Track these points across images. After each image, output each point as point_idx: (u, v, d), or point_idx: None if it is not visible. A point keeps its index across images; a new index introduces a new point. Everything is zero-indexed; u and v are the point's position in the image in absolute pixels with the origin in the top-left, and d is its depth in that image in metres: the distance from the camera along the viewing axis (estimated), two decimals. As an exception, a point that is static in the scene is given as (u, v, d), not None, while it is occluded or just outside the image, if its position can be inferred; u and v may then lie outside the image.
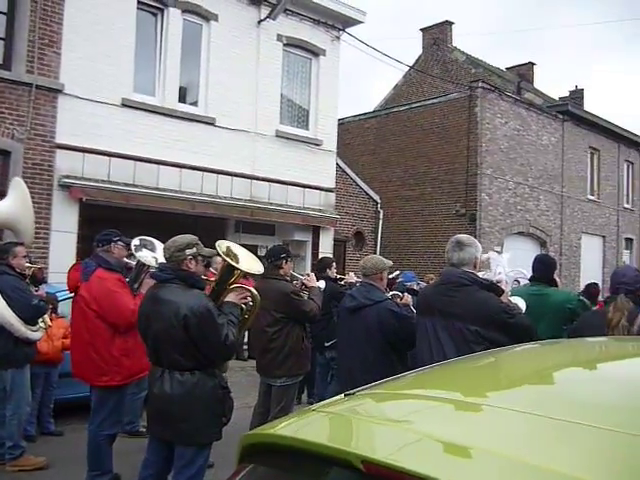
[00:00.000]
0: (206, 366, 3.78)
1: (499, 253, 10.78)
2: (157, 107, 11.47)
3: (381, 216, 17.14)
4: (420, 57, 22.62)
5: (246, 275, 4.43)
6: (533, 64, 25.95)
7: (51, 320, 6.11)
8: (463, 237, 4.17)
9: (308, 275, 6.24)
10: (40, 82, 10.05)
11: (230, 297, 3.95)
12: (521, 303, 4.85)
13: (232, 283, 4.02)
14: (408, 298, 5.77)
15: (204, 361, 3.77)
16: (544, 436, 1.33)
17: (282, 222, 13.50)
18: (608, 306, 3.80)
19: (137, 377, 5.09)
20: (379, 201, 17.27)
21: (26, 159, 9.96)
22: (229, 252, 4.03)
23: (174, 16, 11.70)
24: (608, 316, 3.70)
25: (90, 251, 5.40)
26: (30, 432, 6.12)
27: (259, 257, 5.71)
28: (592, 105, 49.06)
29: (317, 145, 13.94)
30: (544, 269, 5.67)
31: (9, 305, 5.28)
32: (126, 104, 11.01)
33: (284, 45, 13.41)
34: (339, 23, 14.30)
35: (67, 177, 10.29)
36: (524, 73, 25.08)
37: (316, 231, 14.15)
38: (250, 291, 4.11)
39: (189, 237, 4.03)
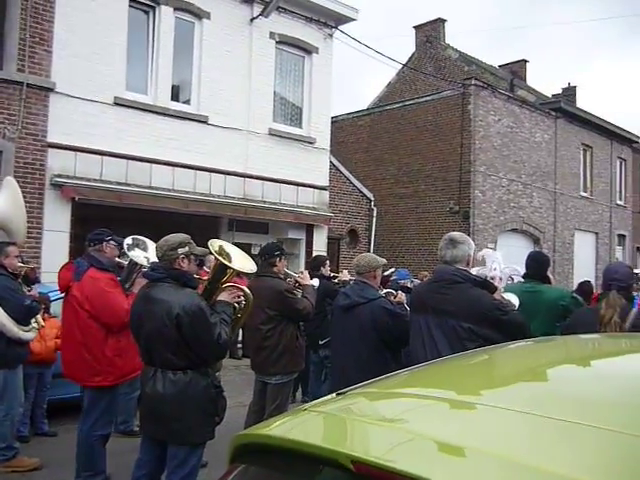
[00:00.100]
0: (199, 365, 3.77)
1: (493, 250, 10.80)
2: (149, 105, 11.44)
3: (375, 214, 17.15)
4: (413, 55, 22.63)
5: (239, 274, 4.42)
6: (526, 61, 26.03)
7: (44, 320, 6.07)
8: (456, 234, 4.17)
9: (302, 273, 6.23)
10: (31, 81, 10.00)
11: (223, 296, 3.95)
12: (514, 299, 4.86)
13: (225, 282, 4.01)
14: (402, 296, 5.78)
15: (197, 360, 3.75)
16: (539, 436, 1.32)
17: (275, 220, 13.49)
18: (600, 303, 3.81)
19: (129, 377, 5.07)
20: (373, 199, 17.29)
21: (17, 158, 9.91)
22: (222, 251, 4.01)
23: (166, 14, 11.66)
24: (600, 313, 3.70)
25: (82, 250, 5.38)
26: (23, 433, 6.09)
27: (253, 255, 5.72)
28: (585, 102, 49.20)
29: (310, 143, 13.93)
30: (537, 266, 5.69)
31: (1, 305, 5.24)
32: (118, 102, 10.97)
33: (277, 43, 13.39)
34: (332, 21, 14.28)
35: (59, 176, 10.25)
36: (517, 70, 25.15)
37: (310, 229, 14.15)
38: (243, 290, 4.10)
39: (181, 236, 4.02)
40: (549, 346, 2.60)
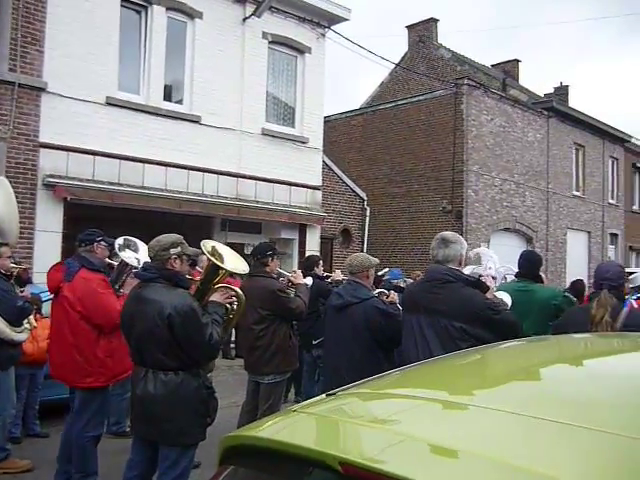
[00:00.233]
0: (190, 366, 3.76)
1: (487, 249, 10.82)
2: (142, 105, 11.40)
3: (368, 213, 17.15)
4: (406, 54, 22.64)
5: (232, 274, 4.42)
6: (518, 61, 26.07)
7: (36, 321, 6.05)
8: (448, 234, 4.17)
9: (295, 272, 6.23)
10: (23, 80, 9.95)
11: (215, 297, 3.94)
12: (507, 298, 4.87)
13: (217, 282, 4.00)
14: (394, 296, 5.78)
15: (188, 361, 3.74)
16: (531, 437, 1.31)
17: (268, 220, 13.48)
18: (592, 302, 3.82)
19: (121, 378, 5.05)
20: (366, 198, 17.29)
21: (9, 158, 9.86)
22: (214, 252, 4.01)
23: (158, 14, 11.63)
24: (592, 312, 3.71)
25: (74, 251, 5.35)
26: (15, 434, 6.07)
27: (246, 255, 5.71)
28: (577, 102, 49.38)
29: (303, 143, 13.92)
30: (530, 265, 5.71)
31: (-7, 306, 5.22)
32: (110, 102, 10.93)
33: (269, 43, 13.37)
34: (324, 21, 14.28)
35: (51, 176, 10.20)
36: (509, 70, 25.19)
37: (303, 229, 14.14)
38: (235, 291, 4.10)
39: (174, 236, 4.01)
40: (541, 346, 2.60)
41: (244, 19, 12.80)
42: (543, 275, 6.11)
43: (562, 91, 25.25)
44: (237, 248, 7.66)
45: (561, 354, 2.42)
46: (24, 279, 6.30)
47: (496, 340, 3.05)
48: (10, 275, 5.58)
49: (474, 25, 77.10)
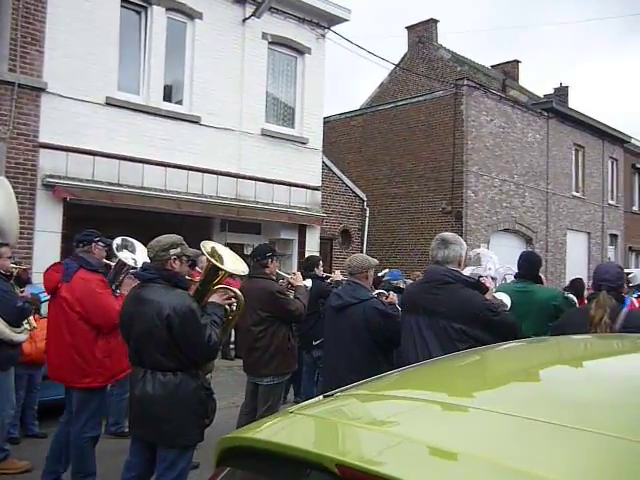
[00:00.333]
0: (189, 367, 3.75)
1: (487, 249, 10.83)
2: (141, 106, 11.40)
3: (367, 214, 17.15)
4: (406, 55, 22.64)
5: (232, 275, 4.41)
6: (518, 62, 26.08)
7: (36, 321, 6.04)
8: (448, 235, 4.17)
9: (294, 274, 6.23)
10: (23, 81, 9.96)
11: (214, 298, 3.93)
12: (506, 299, 4.87)
13: (217, 284, 4.00)
14: (394, 297, 5.78)
15: (186, 362, 3.73)
16: (530, 439, 1.30)
17: (268, 221, 13.47)
18: (590, 303, 3.82)
19: (118, 378, 5.06)
20: (365, 199, 17.28)
21: (9, 158, 9.86)
22: (214, 253, 4.00)
23: (158, 14, 11.63)
24: (590, 313, 3.70)
25: (73, 251, 5.34)
26: (13, 434, 6.06)
27: (245, 256, 5.70)
28: (577, 103, 49.39)
29: (303, 143, 13.92)
30: (529, 266, 5.70)
31: (-7, 307, 5.21)
32: (110, 103, 10.93)
33: (269, 43, 13.37)
34: (324, 21, 14.28)
35: (51, 176, 10.20)
36: (509, 71, 25.20)
37: (302, 229, 14.14)
38: (235, 292, 4.09)
39: (174, 237, 4.00)
40: (540, 347, 2.60)
41: (244, 20, 12.80)
42: (542, 276, 6.10)
43: (562, 92, 25.24)
44: (236, 249, 7.69)
45: (560, 355, 2.41)
46: (24, 279, 6.29)
47: (495, 341, 3.04)
48: (10, 275, 5.57)
49: (474, 26, 77.15)
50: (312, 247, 14.11)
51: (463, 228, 17.13)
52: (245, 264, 4.34)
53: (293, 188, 13.72)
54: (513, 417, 1.42)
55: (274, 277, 5.91)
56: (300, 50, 13.99)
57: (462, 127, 17.65)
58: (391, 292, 6.13)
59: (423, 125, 18.71)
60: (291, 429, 1.60)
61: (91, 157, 10.69)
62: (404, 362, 3.51)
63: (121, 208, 10.93)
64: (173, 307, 3.64)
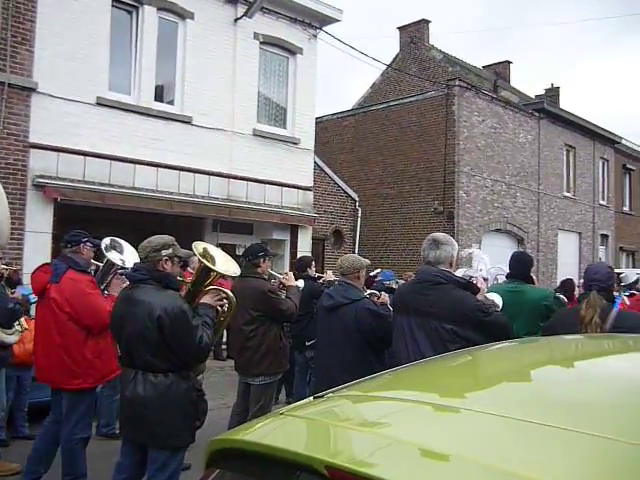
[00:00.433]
0: (180, 368, 3.73)
1: (479, 250, 10.85)
2: (133, 106, 11.36)
3: (359, 214, 17.16)
4: (397, 56, 22.66)
5: (223, 276, 4.40)
6: (509, 62, 26.18)
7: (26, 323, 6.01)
8: (439, 235, 4.17)
9: (286, 274, 6.22)
10: (13, 80, 9.90)
11: (206, 299, 3.91)
12: (498, 299, 4.88)
13: (208, 285, 3.98)
14: (385, 297, 5.79)
15: (178, 363, 3.71)
16: (522, 441, 1.30)
17: (260, 221, 13.46)
18: (581, 303, 3.83)
19: (108, 378, 5.03)
20: (357, 199, 17.29)
21: (-1, 159, 9.81)
22: (205, 253, 3.99)
23: (149, 14, 11.59)
24: (581, 313, 3.71)
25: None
26: (1, 437, 6.02)
27: (237, 256, 5.69)
28: (568, 103, 49.60)
29: (295, 144, 13.91)
30: (520, 266, 5.72)
31: (-17, 309, 5.17)
32: (101, 103, 10.89)
33: (261, 43, 13.35)
34: (316, 21, 14.27)
35: (41, 177, 10.15)
36: (500, 71, 25.29)
37: (294, 230, 14.13)
38: (226, 293, 4.08)
39: (165, 238, 3.98)
40: (532, 347, 2.60)
41: (235, 20, 12.78)
42: (534, 276, 6.12)
43: (553, 92, 25.37)
44: (228, 249, 7.67)
45: (552, 356, 2.41)
46: (14, 280, 6.26)
47: (487, 342, 3.04)
48: (0, 277, 5.54)
49: (465, 27, 77.31)
50: (304, 247, 14.11)
51: (455, 228, 17.17)
52: (237, 265, 4.32)
53: (285, 188, 13.70)
54: (505, 418, 1.41)
55: (266, 277, 5.91)
56: (292, 50, 13.98)
57: (454, 127, 17.69)
58: (383, 292, 6.14)
59: (415, 125, 18.75)
60: (281, 431, 1.59)
61: (82, 157, 10.64)
62: (396, 362, 3.50)
63: (112, 208, 10.89)
64: (164, 308, 3.63)
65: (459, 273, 5.84)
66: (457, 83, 18.01)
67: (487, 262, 7.97)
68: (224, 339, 10.01)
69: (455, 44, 63.34)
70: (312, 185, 14.54)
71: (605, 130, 24.13)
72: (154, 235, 4.01)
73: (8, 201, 7.16)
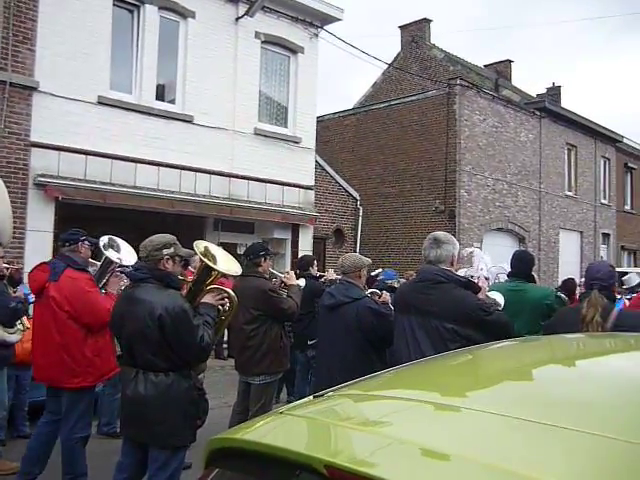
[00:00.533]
0: (181, 367, 3.72)
1: (479, 249, 10.86)
2: (134, 105, 11.36)
3: (361, 213, 17.16)
4: (399, 55, 22.64)
5: (225, 275, 4.40)
6: (511, 61, 26.14)
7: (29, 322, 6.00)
8: (440, 234, 4.16)
9: (288, 273, 6.22)
10: (14, 79, 9.91)
11: (207, 298, 3.91)
12: (500, 298, 4.88)
13: (210, 284, 3.97)
14: (386, 296, 5.79)
15: (178, 362, 3.71)
16: (524, 441, 1.29)
17: (261, 220, 13.46)
18: (582, 302, 3.82)
19: (107, 376, 5.02)
20: (358, 198, 17.29)
21: (0, 158, 9.81)
22: (207, 252, 3.98)
23: (151, 13, 11.60)
24: (582, 312, 3.71)
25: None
26: (0, 436, 6.02)
27: (238, 255, 5.68)
28: (569, 102, 49.57)
29: (296, 143, 13.90)
30: (522, 265, 5.71)
31: (-14, 308, 5.17)
32: (102, 102, 10.89)
33: (262, 42, 13.35)
34: (317, 20, 14.27)
35: (42, 176, 10.15)
36: (502, 70, 25.25)
37: (295, 229, 14.12)
38: (228, 292, 4.07)
39: (167, 237, 3.98)
40: (533, 346, 2.59)
41: (237, 19, 12.78)
42: (535, 275, 6.12)
43: (554, 91, 25.31)
44: (230, 248, 7.66)
45: (553, 355, 2.41)
46: (16, 279, 6.26)
47: (488, 341, 3.04)
48: (2, 276, 5.54)
49: (467, 25, 77.22)
50: (305, 246, 14.10)
51: (456, 227, 17.16)
52: (238, 264, 4.31)
53: (286, 187, 13.70)
54: (506, 417, 1.41)
55: (267, 276, 5.90)
56: (293, 49, 13.97)
57: (455, 126, 17.68)
58: (384, 291, 6.14)
59: (416, 124, 18.73)
60: (281, 430, 1.58)
61: (83, 156, 10.64)
62: (397, 362, 3.50)
63: (113, 207, 10.89)
64: (165, 307, 3.62)
65: (461, 273, 5.83)
66: (458, 82, 18.00)
67: (488, 261, 7.98)
68: (225, 338, 10.01)
69: (456, 43, 63.24)
70: (313, 184, 14.53)
71: (606, 129, 24.10)
72: (155, 234, 4.01)
73: (10, 200, 7.18)
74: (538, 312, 5.20)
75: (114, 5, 11.17)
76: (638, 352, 2.34)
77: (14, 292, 5.70)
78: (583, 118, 22.75)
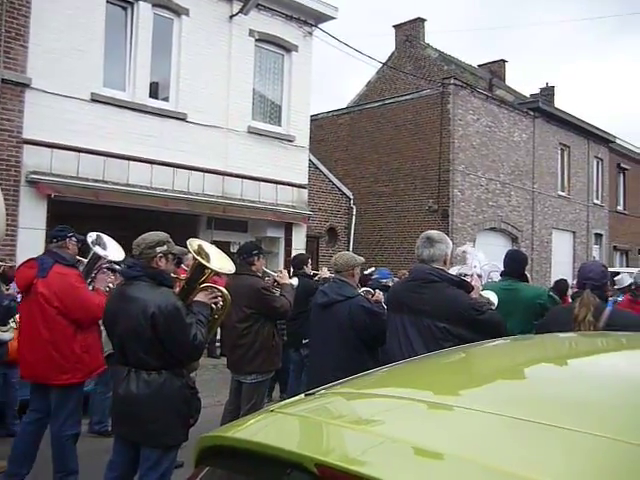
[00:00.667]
0: (173, 366, 3.70)
1: (473, 247, 10.86)
2: (127, 102, 11.32)
3: (354, 212, 17.17)
4: (393, 54, 22.66)
5: (218, 273, 4.39)
6: (505, 61, 26.21)
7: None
8: (433, 233, 4.15)
9: (281, 272, 6.22)
10: (7, 76, 9.85)
11: (200, 296, 3.89)
12: (493, 297, 4.87)
13: (203, 282, 3.95)
14: (379, 295, 5.79)
15: (171, 360, 3.69)
16: (516, 439, 1.28)
17: (255, 218, 13.44)
18: (574, 302, 3.83)
19: (96, 373, 5.00)
20: (352, 197, 17.29)
21: (-8, 155, 9.76)
22: (200, 251, 3.96)
23: (144, 10, 11.56)
24: (574, 312, 3.72)
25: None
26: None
27: (232, 254, 5.66)
28: (563, 102, 49.72)
29: (290, 141, 13.89)
30: (515, 264, 5.72)
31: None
32: (95, 99, 10.84)
33: (256, 40, 13.33)
34: (311, 19, 14.25)
35: (35, 173, 10.11)
36: (496, 70, 25.30)
37: (289, 227, 14.11)
38: (221, 291, 4.05)
39: (160, 234, 3.96)
40: (526, 345, 2.59)
41: (231, 16, 12.74)
42: (528, 274, 6.12)
43: (548, 92, 25.37)
44: (223, 246, 7.64)
45: (546, 354, 2.41)
46: (10, 277, 6.22)
47: (480, 340, 3.03)
48: (-4, 273, 5.51)
49: (461, 25, 77.36)
50: (298, 245, 14.09)
51: (449, 227, 17.19)
52: (232, 262, 4.30)
53: (280, 186, 13.69)
54: (499, 416, 1.40)
55: (260, 274, 5.90)
56: (287, 47, 13.95)
57: (449, 126, 17.70)
58: (377, 290, 6.14)
59: (410, 124, 18.75)
60: (271, 428, 1.58)
61: (76, 153, 10.59)
62: (389, 360, 3.49)
63: (106, 205, 10.86)
64: (158, 305, 3.60)
65: (453, 271, 5.83)
66: (452, 81, 18.02)
67: (481, 258, 7.97)
68: (218, 336, 10.00)
69: (450, 43, 63.38)
70: (307, 183, 14.52)
71: (599, 129, 24.18)
72: (148, 232, 3.99)
73: (2, 197, 7.14)
74: (531, 311, 5.21)
75: (108, 2, 11.12)
76: (630, 351, 2.34)
77: (6, 290, 5.67)
78: (576, 118, 22.82)
